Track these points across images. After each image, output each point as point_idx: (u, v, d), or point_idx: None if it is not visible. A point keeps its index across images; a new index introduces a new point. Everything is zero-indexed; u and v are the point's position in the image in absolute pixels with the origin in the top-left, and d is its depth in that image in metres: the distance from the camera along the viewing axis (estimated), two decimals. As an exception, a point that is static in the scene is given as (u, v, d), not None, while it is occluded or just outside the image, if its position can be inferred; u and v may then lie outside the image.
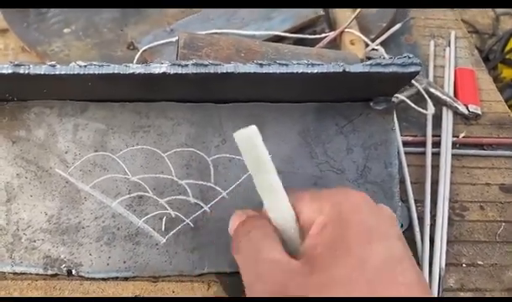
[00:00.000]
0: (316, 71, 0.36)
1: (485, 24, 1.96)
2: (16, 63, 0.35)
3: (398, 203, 0.42)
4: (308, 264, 0.27)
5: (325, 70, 0.36)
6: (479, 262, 0.46)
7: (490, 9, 2.00)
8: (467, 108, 0.59)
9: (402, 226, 0.46)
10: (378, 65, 0.36)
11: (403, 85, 0.41)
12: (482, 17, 2.01)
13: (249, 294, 0.29)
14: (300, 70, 0.36)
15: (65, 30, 0.65)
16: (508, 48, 1.49)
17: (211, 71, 0.36)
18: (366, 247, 0.27)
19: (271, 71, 0.36)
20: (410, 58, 0.36)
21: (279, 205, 0.30)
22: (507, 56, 1.47)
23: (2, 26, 0.69)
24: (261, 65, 0.36)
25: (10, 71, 0.35)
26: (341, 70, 0.36)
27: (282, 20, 0.61)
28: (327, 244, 0.27)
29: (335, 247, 0.27)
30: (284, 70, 0.36)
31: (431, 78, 0.64)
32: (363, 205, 0.29)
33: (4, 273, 0.41)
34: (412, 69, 0.36)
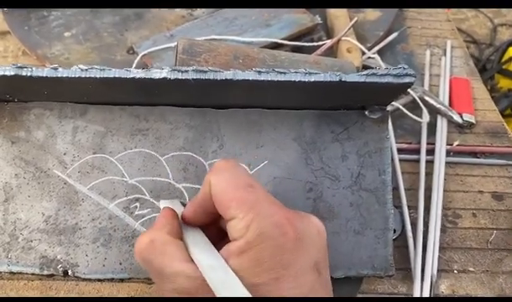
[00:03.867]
0: (313, 80, 0.37)
1: (483, 35, 1.98)
2: (18, 65, 0.36)
3: (390, 210, 0.42)
4: None
5: (322, 79, 0.37)
6: (471, 269, 0.46)
7: (488, 20, 2.03)
8: (462, 117, 0.60)
9: (395, 231, 0.47)
10: (373, 75, 0.37)
11: (398, 95, 0.41)
12: (480, 27, 2.03)
13: (161, 294, 0.30)
14: (298, 79, 0.37)
15: (66, 34, 0.66)
16: (505, 58, 1.51)
17: (211, 78, 0.36)
18: (273, 284, 0.27)
19: (269, 79, 0.37)
20: (404, 69, 0.37)
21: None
22: (504, 66, 1.48)
23: (1, 29, 0.69)
24: (259, 72, 0.37)
25: (13, 73, 0.36)
26: (337, 80, 0.37)
27: (280, 27, 0.61)
28: (238, 273, 0.28)
29: (244, 278, 0.27)
30: (281, 78, 0.37)
31: (426, 87, 0.65)
32: (283, 229, 0.28)
33: (0, 272, 0.41)
34: (407, 79, 0.37)
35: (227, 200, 0.30)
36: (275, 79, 0.37)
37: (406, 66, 0.38)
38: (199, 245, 0.31)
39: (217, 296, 0.26)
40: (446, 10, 0.81)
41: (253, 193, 0.30)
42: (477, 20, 2.07)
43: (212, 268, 0.28)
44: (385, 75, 0.37)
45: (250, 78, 0.37)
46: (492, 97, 0.66)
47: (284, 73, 0.37)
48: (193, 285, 0.28)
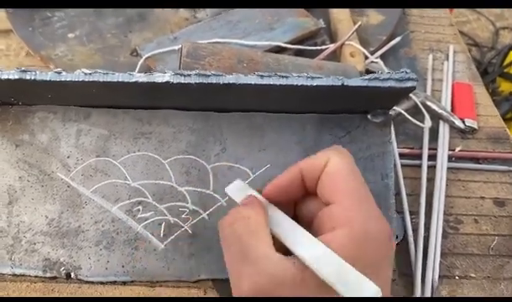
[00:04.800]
0: (315, 84, 0.37)
1: (485, 38, 1.98)
2: (22, 69, 0.36)
3: (393, 214, 0.43)
4: (302, 271, 0.26)
5: (324, 83, 0.37)
6: (472, 275, 0.46)
7: (490, 23, 2.03)
8: (464, 122, 0.60)
9: (397, 237, 0.47)
10: (376, 79, 0.37)
11: (400, 99, 0.42)
12: (481, 30, 2.04)
13: (233, 286, 0.28)
14: (300, 83, 0.37)
15: (70, 35, 0.66)
16: (506, 62, 1.51)
17: (214, 82, 0.37)
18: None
19: (271, 83, 0.37)
20: (407, 73, 0.37)
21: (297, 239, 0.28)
22: (505, 70, 1.48)
23: (4, 27, 0.69)
24: (262, 76, 0.37)
25: (17, 77, 0.36)
26: (339, 84, 0.37)
27: (283, 31, 0.62)
28: None
29: None
30: (284, 82, 0.37)
31: (428, 91, 0.65)
32: (385, 235, 0.28)
33: (3, 274, 0.41)
34: (409, 84, 0.37)
35: (341, 183, 0.29)
36: (278, 83, 0.37)
37: (408, 70, 0.38)
38: (295, 233, 0.29)
39: (340, 291, 0.25)
40: (448, 11, 0.82)
41: (365, 190, 0.29)
42: (479, 23, 2.07)
43: (325, 262, 0.26)
44: (387, 79, 0.38)
45: (252, 82, 0.37)
46: (493, 101, 0.66)
47: (287, 77, 0.37)
48: (280, 274, 0.26)
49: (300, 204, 0.33)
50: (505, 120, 1.16)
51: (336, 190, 0.29)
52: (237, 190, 0.34)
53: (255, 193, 0.33)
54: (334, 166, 0.30)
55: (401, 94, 0.40)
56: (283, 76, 0.37)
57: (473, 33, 2.00)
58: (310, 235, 0.28)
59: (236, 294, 0.28)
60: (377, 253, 0.27)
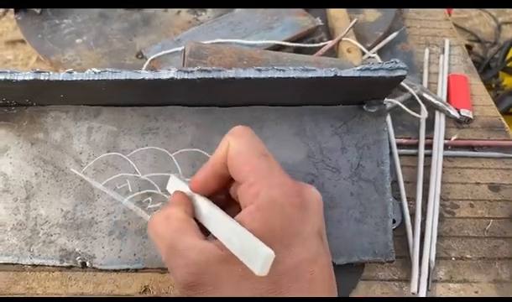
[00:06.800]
0: (310, 76, 0.39)
1: (487, 33, 1.99)
2: (37, 70, 0.39)
3: (389, 199, 0.45)
4: (222, 249, 0.29)
5: (318, 75, 0.39)
6: (468, 256, 0.48)
7: (492, 18, 2.03)
8: (459, 112, 0.62)
9: (395, 222, 0.49)
10: (367, 69, 0.39)
11: (392, 88, 0.43)
12: (483, 26, 2.04)
13: (171, 271, 0.31)
14: (296, 75, 0.39)
15: (77, 40, 0.69)
16: (509, 56, 1.51)
17: (215, 77, 0.39)
18: (284, 251, 0.29)
19: (269, 76, 0.39)
20: (396, 63, 0.39)
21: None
22: (508, 64, 1.49)
23: (11, 38, 0.72)
24: (260, 70, 0.39)
25: (32, 78, 0.39)
26: (332, 75, 0.39)
27: (282, 30, 0.64)
28: None
29: None
30: (280, 74, 0.39)
31: (425, 84, 0.67)
32: (292, 200, 0.30)
33: (23, 265, 0.44)
34: (399, 73, 0.39)
35: (243, 163, 0.31)
36: (275, 76, 0.40)
37: (398, 60, 0.40)
38: (213, 216, 0.32)
39: (243, 260, 0.27)
40: (446, 11, 0.83)
41: (267, 161, 0.31)
42: (480, 19, 2.08)
43: (233, 236, 0.28)
44: (378, 69, 0.40)
45: (251, 76, 0.40)
46: (497, 95, 0.68)
47: (283, 70, 0.40)
48: (204, 259, 0.29)
49: (231, 188, 0.35)
50: (509, 114, 1.17)
51: (239, 171, 0.31)
52: (175, 186, 0.37)
53: (185, 188, 0.36)
54: (233, 149, 0.32)
55: (392, 83, 0.42)
56: (279, 69, 0.39)
57: (475, 28, 2.01)
58: (224, 216, 0.31)
59: (176, 286, 0.31)
60: (290, 220, 0.29)
